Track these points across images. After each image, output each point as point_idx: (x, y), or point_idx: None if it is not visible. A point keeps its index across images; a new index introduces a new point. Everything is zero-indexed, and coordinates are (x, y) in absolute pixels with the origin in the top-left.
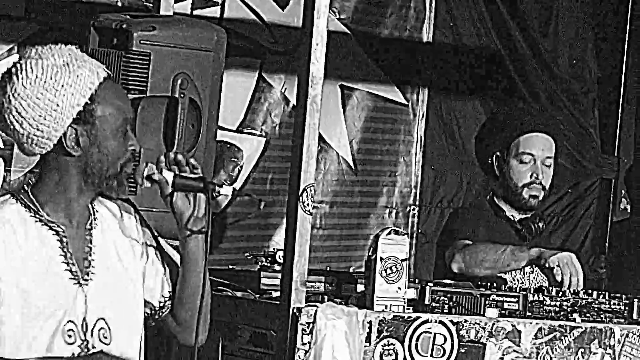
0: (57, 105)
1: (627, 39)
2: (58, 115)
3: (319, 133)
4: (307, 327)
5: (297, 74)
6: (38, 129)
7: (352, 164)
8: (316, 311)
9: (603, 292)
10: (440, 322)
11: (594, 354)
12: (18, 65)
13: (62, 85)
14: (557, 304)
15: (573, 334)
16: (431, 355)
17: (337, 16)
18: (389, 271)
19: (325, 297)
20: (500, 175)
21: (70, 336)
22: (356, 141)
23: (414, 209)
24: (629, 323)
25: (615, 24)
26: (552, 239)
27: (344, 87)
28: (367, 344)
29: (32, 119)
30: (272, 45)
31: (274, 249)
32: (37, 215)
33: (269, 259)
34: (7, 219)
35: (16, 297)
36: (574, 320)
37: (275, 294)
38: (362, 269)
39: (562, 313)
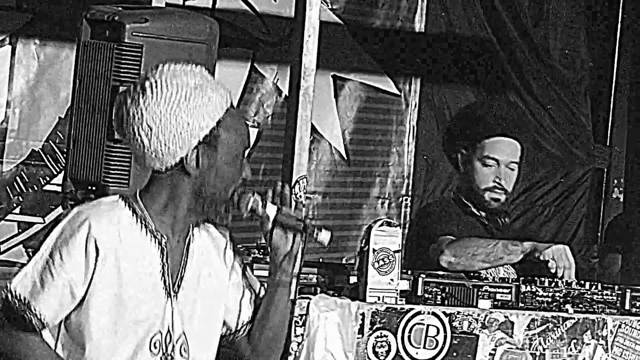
0: (188, 125)
1: (619, 27)
2: (187, 135)
3: (312, 124)
4: (300, 319)
5: (289, 64)
6: (166, 145)
7: (344, 155)
8: (309, 303)
9: (596, 283)
10: (433, 313)
11: (587, 344)
12: (152, 80)
13: (195, 107)
14: (550, 294)
15: (566, 325)
16: (424, 347)
17: (329, 6)
18: (381, 263)
19: (318, 289)
20: (464, 173)
21: (155, 347)
22: (349, 131)
23: (406, 199)
24: (622, 314)
25: (608, 12)
26: (545, 229)
27: (337, 77)
28: (360, 335)
29: (162, 134)
30: (264, 36)
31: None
32: (143, 222)
33: (262, 250)
34: (117, 221)
35: (110, 301)
36: (567, 311)
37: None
38: (355, 260)
39: (554, 304)
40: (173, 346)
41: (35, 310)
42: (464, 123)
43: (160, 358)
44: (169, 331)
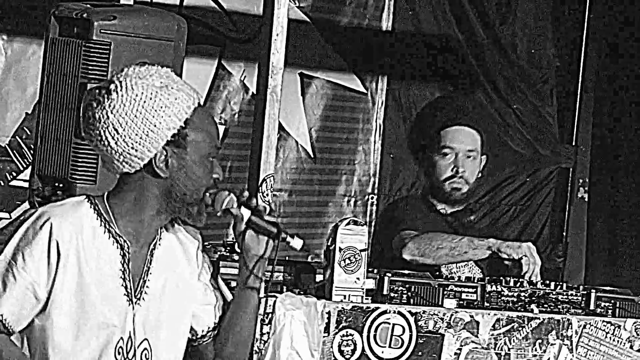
0: (155, 126)
1: (585, 27)
2: (154, 136)
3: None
4: (266, 317)
5: (256, 62)
6: (133, 148)
7: (311, 152)
8: (275, 301)
9: (561, 283)
10: (399, 312)
11: (552, 344)
12: (117, 82)
13: (161, 107)
14: (515, 294)
15: (531, 325)
16: (390, 346)
17: (297, 4)
18: (347, 261)
19: (284, 287)
20: (426, 169)
21: (119, 353)
22: (315, 129)
23: (372, 198)
24: (587, 314)
25: (574, 12)
26: (510, 228)
27: (304, 75)
28: (326, 334)
29: (129, 137)
30: (231, 33)
31: (232, 238)
32: (107, 226)
33: (228, 248)
34: (79, 223)
35: (72, 305)
36: (532, 311)
37: (234, 284)
38: (321, 258)
39: (520, 304)
40: (134, 353)
41: None
42: (424, 119)
43: None
44: (130, 337)
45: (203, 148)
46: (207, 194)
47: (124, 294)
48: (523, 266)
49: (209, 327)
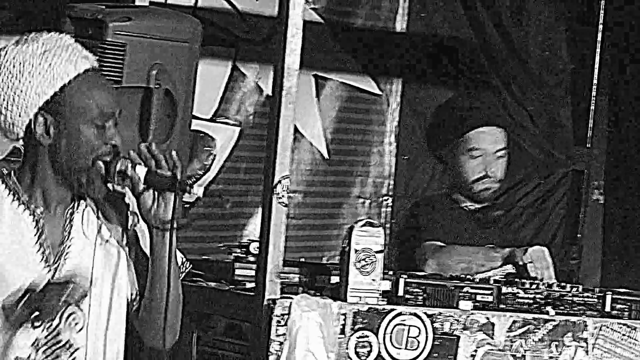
0: (21, 91)
1: (600, 29)
2: (22, 102)
3: None
4: (282, 319)
5: (271, 63)
6: (2, 113)
7: (325, 154)
8: (291, 303)
9: (577, 285)
10: (415, 314)
11: (567, 347)
12: (2, 50)
13: (30, 73)
14: (531, 296)
15: (546, 327)
16: (405, 348)
17: (311, 5)
18: (363, 263)
19: (300, 289)
20: (451, 168)
21: (37, 320)
22: (330, 131)
23: (387, 199)
24: (602, 316)
25: (588, 14)
26: (524, 231)
27: (318, 77)
28: (342, 335)
29: (2, 105)
30: (246, 35)
31: (248, 239)
32: (16, 197)
33: (243, 249)
34: None
35: None
36: (548, 313)
37: (250, 285)
38: (335, 259)
39: (535, 306)
40: (59, 320)
41: None
42: (445, 117)
43: (47, 329)
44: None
45: (87, 114)
46: (99, 161)
47: (42, 261)
48: (530, 272)
49: (132, 295)
